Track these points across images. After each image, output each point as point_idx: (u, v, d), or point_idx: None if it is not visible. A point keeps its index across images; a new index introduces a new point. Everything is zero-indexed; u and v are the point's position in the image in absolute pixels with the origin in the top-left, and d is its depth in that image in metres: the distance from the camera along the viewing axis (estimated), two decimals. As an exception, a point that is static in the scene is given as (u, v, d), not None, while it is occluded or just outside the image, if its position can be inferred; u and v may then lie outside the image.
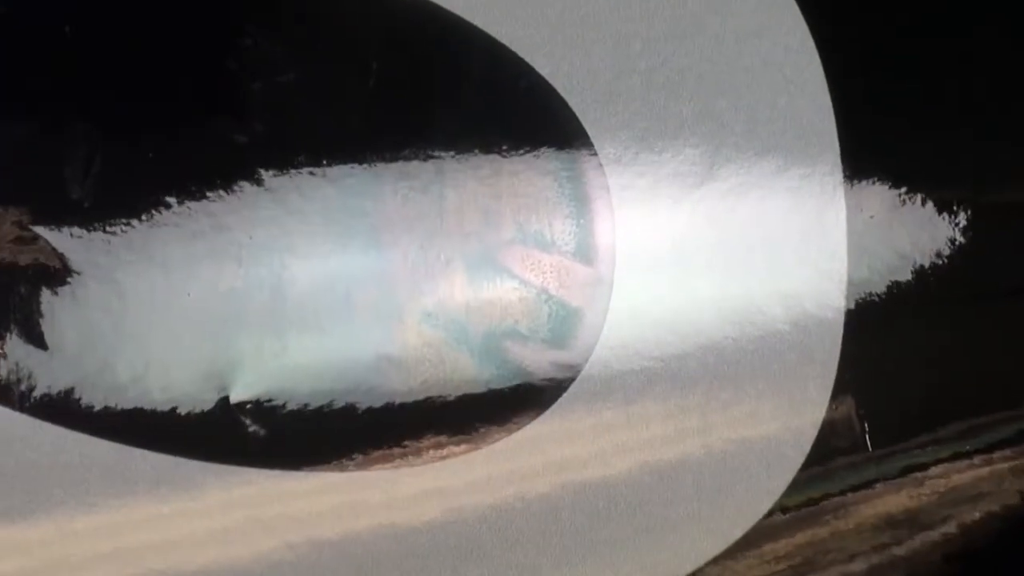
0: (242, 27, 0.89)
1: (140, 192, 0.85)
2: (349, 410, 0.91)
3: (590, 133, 0.99)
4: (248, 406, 0.88)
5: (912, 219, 1.14)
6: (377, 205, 0.92)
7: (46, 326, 0.82)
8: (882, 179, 1.12)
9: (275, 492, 0.89)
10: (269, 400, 0.88)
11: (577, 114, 0.99)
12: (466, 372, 0.95)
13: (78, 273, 0.83)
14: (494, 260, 0.96)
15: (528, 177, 0.97)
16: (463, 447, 0.95)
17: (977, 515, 1.20)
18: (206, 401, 0.86)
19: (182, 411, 0.86)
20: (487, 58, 0.97)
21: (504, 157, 0.96)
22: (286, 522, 0.89)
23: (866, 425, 1.12)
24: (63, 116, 0.84)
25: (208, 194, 0.87)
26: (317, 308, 0.90)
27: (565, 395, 0.98)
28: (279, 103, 0.89)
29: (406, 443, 0.93)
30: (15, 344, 0.81)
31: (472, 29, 0.95)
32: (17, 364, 0.81)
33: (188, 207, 0.86)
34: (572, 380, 0.99)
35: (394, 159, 0.92)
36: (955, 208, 1.16)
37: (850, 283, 1.10)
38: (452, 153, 0.95)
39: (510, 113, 0.98)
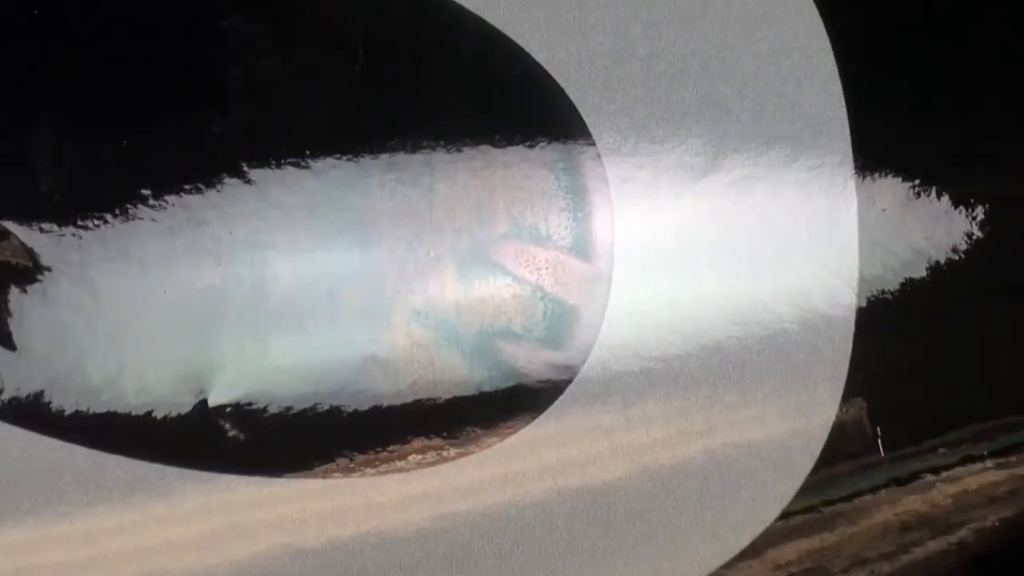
0: (220, 8, 0.89)
1: (113, 185, 0.85)
2: (334, 414, 0.91)
3: (588, 122, 0.98)
4: (227, 410, 0.88)
5: (927, 213, 1.13)
6: (363, 199, 0.91)
7: (15, 326, 0.82)
8: (895, 171, 1.11)
9: (255, 499, 0.89)
10: (249, 403, 0.88)
11: (574, 102, 0.98)
12: (457, 373, 0.94)
13: (48, 270, 0.83)
14: (487, 256, 0.95)
15: (522, 169, 0.96)
16: (454, 452, 0.95)
17: (992, 521, 1.20)
18: (183, 404, 0.86)
19: (158, 415, 0.86)
20: (479, 43, 0.96)
21: (497, 148, 0.96)
22: (267, 530, 0.89)
23: (878, 428, 1.11)
24: (31, 104, 0.84)
25: (185, 187, 0.87)
26: (300, 307, 0.90)
27: (561, 397, 0.98)
28: (260, 90, 0.89)
29: (393, 448, 0.93)
30: (-19, 345, 0.82)
31: (463, 12, 0.95)
32: (-16, 365, 0.82)
33: (164, 201, 0.86)
34: (569, 382, 0.98)
35: (381, 150, 0.92)
36: (972, 201, 1.15)
37: (861, 280, 1.09)
38: (442, 144, 0.94)
39: (503, 101, 0.97)
